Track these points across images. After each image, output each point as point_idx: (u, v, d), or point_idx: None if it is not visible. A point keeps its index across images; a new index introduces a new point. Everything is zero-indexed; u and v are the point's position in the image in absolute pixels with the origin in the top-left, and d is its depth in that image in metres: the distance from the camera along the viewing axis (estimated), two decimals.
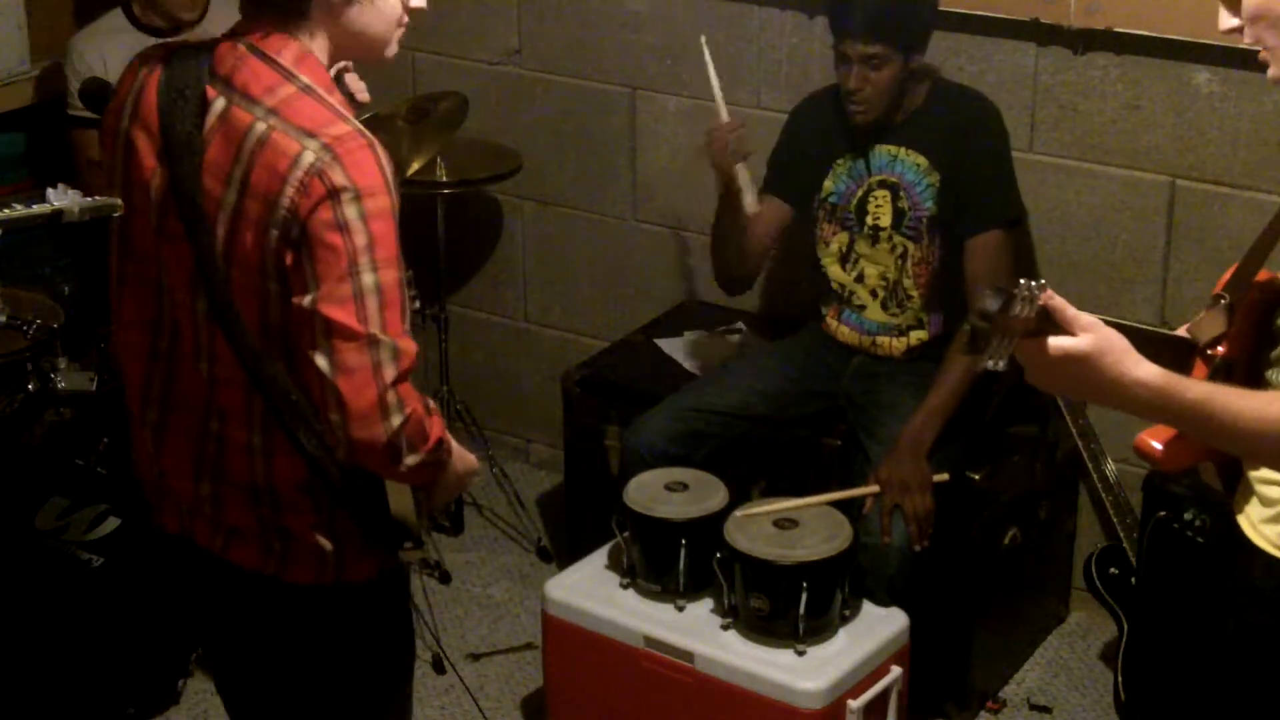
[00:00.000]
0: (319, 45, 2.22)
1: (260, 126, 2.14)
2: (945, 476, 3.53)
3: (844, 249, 3.76)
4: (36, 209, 2.01)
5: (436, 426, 2.21)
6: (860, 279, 3.76)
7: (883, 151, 3.70)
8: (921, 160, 3.66)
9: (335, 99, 2.20)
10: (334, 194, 2.10)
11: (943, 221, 3.67)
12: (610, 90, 4.46)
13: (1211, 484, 2.40)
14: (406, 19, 2.32)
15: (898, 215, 3.69)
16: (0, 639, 3.55)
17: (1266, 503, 2.26)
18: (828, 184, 3.75)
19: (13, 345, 3.62)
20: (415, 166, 4.26)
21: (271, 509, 2.28)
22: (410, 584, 2.53)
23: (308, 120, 2.14)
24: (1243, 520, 2.30)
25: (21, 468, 3.71)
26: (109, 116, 2.30)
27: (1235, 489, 2.35)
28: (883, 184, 3.70)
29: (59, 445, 3.73)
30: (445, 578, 4.33)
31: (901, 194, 3.68)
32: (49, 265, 4.35)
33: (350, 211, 2.10)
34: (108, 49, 4.08)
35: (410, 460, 2.17)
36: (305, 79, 2.18)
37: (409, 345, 2.16)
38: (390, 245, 2.14)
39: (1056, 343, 1.94)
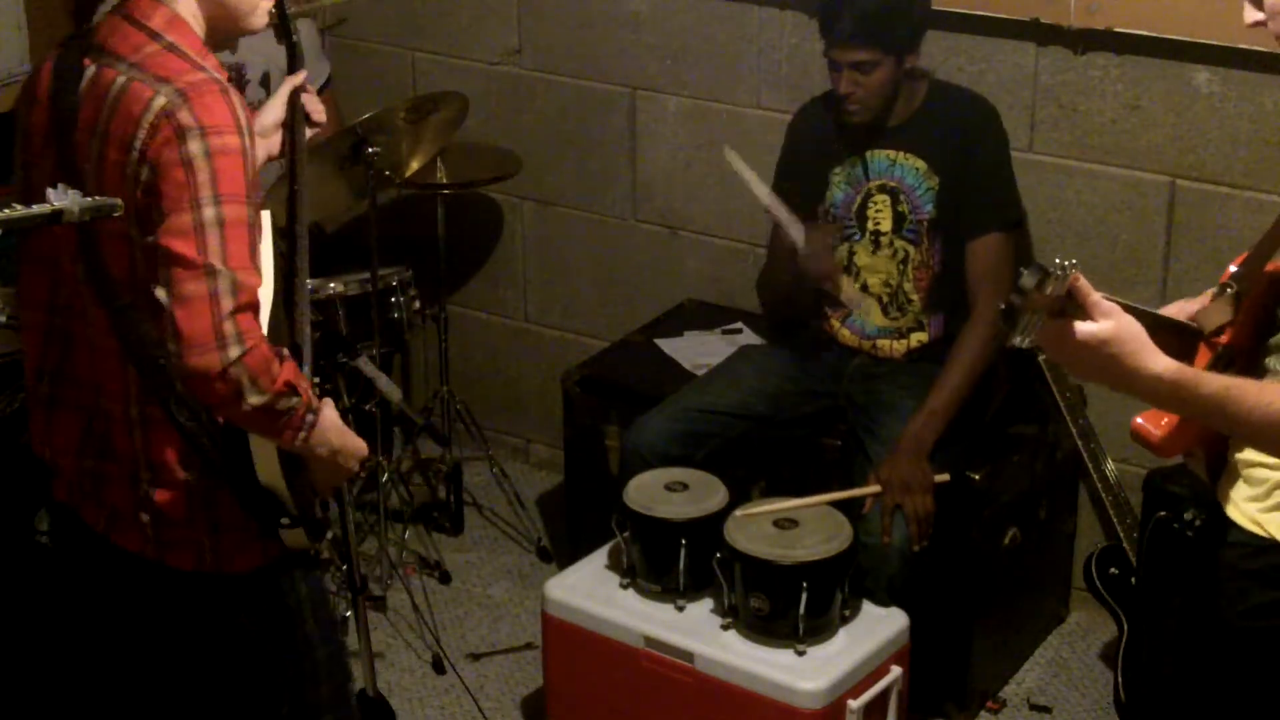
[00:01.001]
0: (188, 11, 2.31)
1: (121, 79, 2.23)
2: (946, 477, 3.53)
3: (846, 260, 3.76)
4: (36, 209, 2.01)
5: (287, 371, 2.22)
6: (865, 289, 3.75)
7: (881, 156, 3.70)
8: (920, 164, 3.66)
9: (209, 62, 2.27)
10: (180, 132, 2.16)
11: (943, 225, 3.67)
12: (610, 90, 4.46)
13: (1198, 472, 2.42)
14: None
15: (898, 219, 3.69)
16: (0, 639, 3.55)
17: (1251, 482, 2.28)
18: (827, 195, 3.75)
19: (13, 345, 3.62)
20: (415, 166, 4.26)
21: (149, 486, 2.31)
22: (302, 577, 2.51)
23: (166, 70, 2.22)
24: (1228, 506, 2.32)
25: (21, 468, 3.70)
26: (16, 101, 2.41)
27: (1221, 476, 2.36)
28: (882, 188, 3.70)
29: None
30: (445, 578, 4.33)
31: (901, 198, 3.68)
32: None
33: (194, 148, 2.16)
34: None
35: (254, 399, 2.17)
36: (171, 39, 2.26)
37: (250, 279, 2.18)
38: (236, 182, 2.18)
39: (1081, 327, 1.98)
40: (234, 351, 2.14)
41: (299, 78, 2.55)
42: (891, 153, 3.68)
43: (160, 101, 2.18)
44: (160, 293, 2.16)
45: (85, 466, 2.36)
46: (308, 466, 2.35)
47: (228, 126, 2.19)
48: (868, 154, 3.70)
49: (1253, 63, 3.58)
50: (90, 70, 2.27)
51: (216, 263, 2.15)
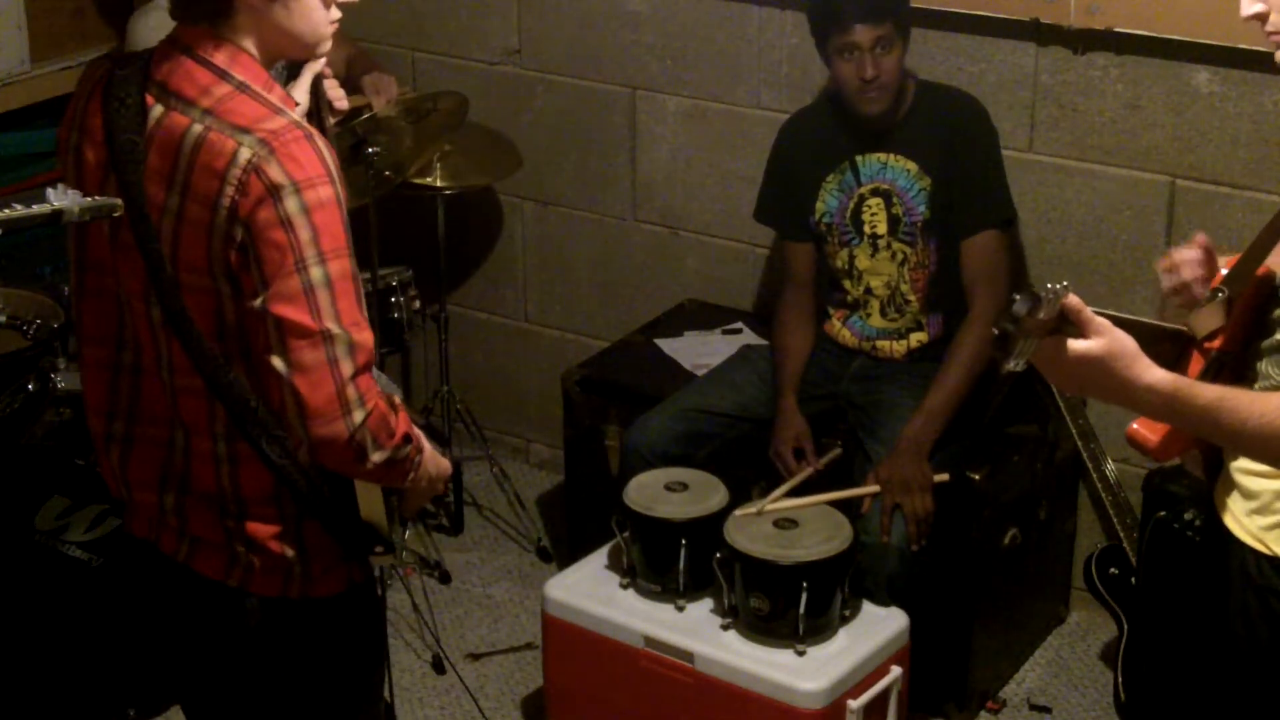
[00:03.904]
0: (251, 44, 2.21)
1: (197, 128, 2.14)
2: (946, 477, 3.53)
3: (847, 265, 3.76)
4: (36, 209, 2.00)
5: (402, 422, 2.19)
6: (869, 291, 3.75)
7: (872, 160, 3.69)
8: (912, 166, 3.65)
9: (274, 95, 2.19)
10: (273, 190, 2.09)
11: (937, 225, 3.66)
12: (610, 90, 4.46)
13: (1195, 472, 2.42)
14: (337, 14, 2.28)
15: (893, 222, 3.68)
16: (0, 639, 3.55)
17: (1248, 495, 2.27)
18: (819, 205, 3.75)
19: (13, 345, 3.62)
20: (415, 166, 4.26)
21: (237, 519, 2.27)
22: (381, 599, 2.51)
23: (243, 118, 2.13)
24: (1227, 517, 2.31)
25: (21, 468, 3.71)
26: (61, 130, 2.30)
27: (1218, 477, 2.36)
28: (875, 192, 3.69)
29: (59, 445, 3.73)
30: (445, 578, 4.33)
31: (895, 200, 3.67)
32: (49, 265, 4.35)
33: (291, 206, 2.09)
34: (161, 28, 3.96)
35: (376, 457, 2.15)
36: (240, 78, 2.18)
37: (365, 337, 2.14)
38: (336, 235, 2.12)
39: (1074, 345, 1.99)
40: (358, 416, 2.11)
41: (318, 65, 2.43)
42: (882, 155, 3.68)
43: (245, 155, 2.09)
44: (277, 362, 2.10)
45: (166, 502, 2.30)
46: (402, 494, 2.33)
47: (320, 177, 2.11)
48: (858, 159, 3.70)
49: (1253, 63, 3.58)
50: (156, 111, 2.17)
51: (332, 326, 2.09)
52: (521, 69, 4.58)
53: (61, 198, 2.02)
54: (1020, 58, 3.87)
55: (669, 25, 4.31)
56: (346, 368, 2.11)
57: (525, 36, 4.55)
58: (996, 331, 1.93)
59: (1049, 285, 1.91)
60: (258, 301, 2.11)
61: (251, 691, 2.39)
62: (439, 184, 4.30)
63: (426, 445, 2.29)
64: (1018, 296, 1.91)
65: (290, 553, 2.28)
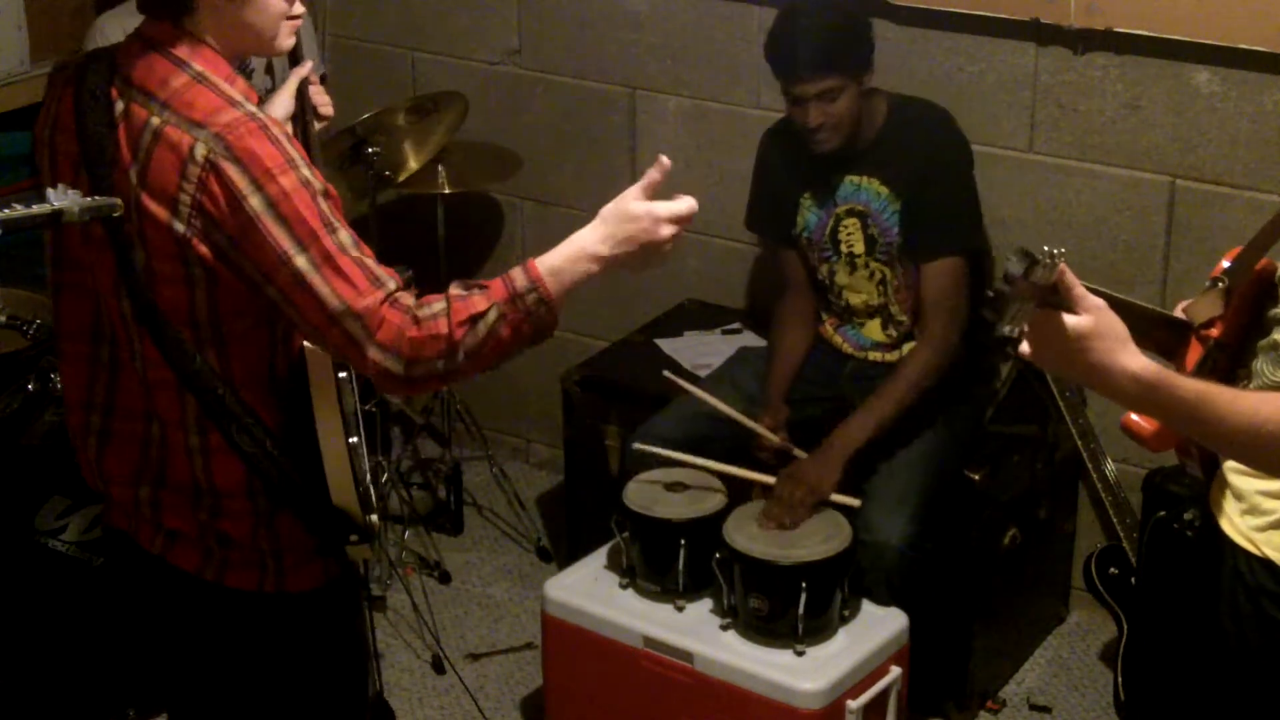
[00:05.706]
0: (213, 39, 2.24)
1: (155, 121, 2.16)
2: (857, 502, 3.47)
3: (827, 280, 3.75)
4: (36, 209, 2.01)
5: (457, 312, 2.14)
6: (849, 308, 3.74)
7: (847, 181, 3.65)
8: (884, 189, 3.62)
9: (236, 88, 2.21)
10: (237, 195, 2.11)
11: (910, 247, 3.64)
12: (610, 90, 4.46)
13: (1194, 472, 2.42)
14: (300, 9, 2.31)
15: (869, 242, 3.66)
16: (0, 639, 3.55)
17: (1239, 496, 2.27)
18: (799, 220, 3.74)
19: (13, 345, 3.62)
20: (415, 167, 4.26)
21: (211, 512, 2.28)
22: (364, 595, 2.51)
23: (198, 111, 2.15)
24: (1221, 517, 2.31)
25: (21, 468, 3.71)
26: (37, 126, 2.33)
27: (1214, 476, 2.36)
28: (850, 212, 3.66)
29: (59, 445, 3.73)
30: (445, 578, 4.33)
31: (870, 222, 3.65)
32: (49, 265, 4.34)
33: (255, 204, 2.12)
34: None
35: (453, 364, 2.15)
36: (198, 68, 2.20)
37: (367, 303, 2.13)
38: (310, 218, 2.13)
39: (1063, 318, 1.95)
40: (398, 366, 2.14)
41: (305, 69, 2.48)
42: (856, 177, 3.64)
43: (201, 151, 2.12)
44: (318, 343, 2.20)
45: (141, 495, 2.32)
46: (375, 487, 2.34)
47: (279, 167, 2.12)
48: (834, 178, 3.67)
49: (1253, 63, 3.58)
50: (120, 105, 2.20)
51: (334, 306, 2.13)
52: (521, 69, 4.58)
53: (61, 198, 2.03)
54: (1020, 58, 3.87)
55: (669, 25, 4.31)
56: (362, 337, 2.13)
57: (525, 36, 4.55)
58: (991, 294, 1.90)
59: (1045, 248, 1.89)
60: (271, 292, 2.15)
61: (230, 685, 2.40)
62: (439, 185, 4.29)
63: (551, 263, 2.21)
64: (1013, 256, 1.89)
65: (263, 546, 2.30)
